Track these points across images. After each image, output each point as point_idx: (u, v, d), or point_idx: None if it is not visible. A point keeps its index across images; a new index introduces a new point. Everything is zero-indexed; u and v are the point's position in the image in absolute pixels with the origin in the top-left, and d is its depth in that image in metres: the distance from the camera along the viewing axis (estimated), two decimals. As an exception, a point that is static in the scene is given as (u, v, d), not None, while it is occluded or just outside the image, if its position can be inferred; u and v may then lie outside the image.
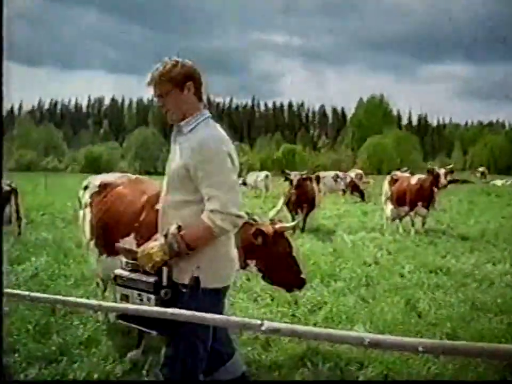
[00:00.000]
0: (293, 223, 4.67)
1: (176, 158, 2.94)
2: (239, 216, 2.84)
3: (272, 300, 6.24)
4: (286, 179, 12.95)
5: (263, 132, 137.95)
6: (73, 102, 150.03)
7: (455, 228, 13.44)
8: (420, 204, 12.46)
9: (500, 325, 5.30)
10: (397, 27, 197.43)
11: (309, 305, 5.94)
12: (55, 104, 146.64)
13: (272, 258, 4.27)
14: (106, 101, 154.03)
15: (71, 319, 5.62)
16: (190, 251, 2.83)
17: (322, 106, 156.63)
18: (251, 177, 29.51)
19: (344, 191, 26.50)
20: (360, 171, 32.05)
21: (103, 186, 5.11)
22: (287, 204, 12.86)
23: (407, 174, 15.76)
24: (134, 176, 5.33)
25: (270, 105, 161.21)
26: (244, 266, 4.38)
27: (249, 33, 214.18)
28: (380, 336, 1.75)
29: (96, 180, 5.33)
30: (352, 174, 29.71)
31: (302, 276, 4.37)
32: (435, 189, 12.29)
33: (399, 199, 12.82)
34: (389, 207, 13.16)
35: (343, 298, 6.16)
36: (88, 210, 5.14)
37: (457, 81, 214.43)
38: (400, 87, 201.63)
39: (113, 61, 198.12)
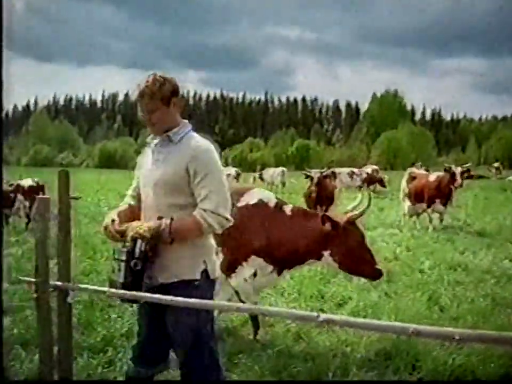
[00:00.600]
0: (361, 210, 4.82)
1: (168, 164, 3.15)
2: (227, 219, 3.12)
3: (299, 294, 6.53)
4: (307, 177, 13.24)
5: (277, 127, 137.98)
6: (87, 98, 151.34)
7: (471, 224, 13.63)
8: (437, 201, 12.67)
9: (519, 319, 5.57)
10: (411, 21, 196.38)
11: (335, 300, 6.24)
12: (70, 99, 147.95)
13: (346, 246, 4.60)
14: (120, 97, 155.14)
15: (108, 312, 5.93)
16: (171, 240, 3.08)
17: (336, 101, 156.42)
18: (268, 173, 29.81)
19: (360, 187, 26.75)
20: (375, 167, 32.26)
21: None
22: (306, 200, 13.18)
23: (423, 171, 16.00)
24: None
25: (284, 100, 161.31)
26: (319, 257, 4.72)
27: (262, 28, 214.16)
28: (421, 327, 2.04)
29: None
30: (368, 169, 29.96)
31: (377, 266, 4.69)
32: (453, 187, 12.50)
33: (417, 196, 13.04)
34: (407, 204, 13.39)
35: (367, 294, 6.43)
36: None
37: (471, 75, 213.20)
38: (414, 82, 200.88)
39: (127, 57, 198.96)
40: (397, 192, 23.13)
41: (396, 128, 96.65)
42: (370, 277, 4.85)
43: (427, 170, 24.22)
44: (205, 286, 3.20)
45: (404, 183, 13.89)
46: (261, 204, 4.84)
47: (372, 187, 28.36)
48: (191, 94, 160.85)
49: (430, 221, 12.76)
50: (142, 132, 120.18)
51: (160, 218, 3.10)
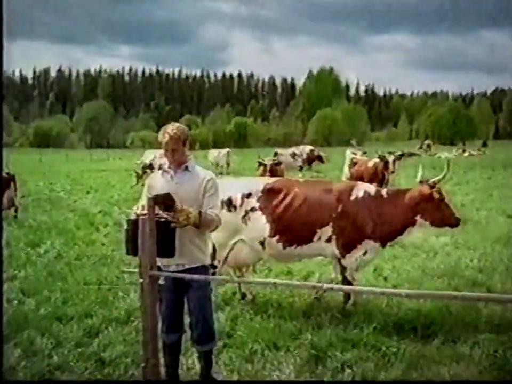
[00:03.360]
0: (442, 176, 6.18)
1: (192, 184, 4.53)
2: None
3: (270, 271, 7.96)
4: (260, 164, 14.65)
5: (213, 103, 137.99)
6: (17, 74, 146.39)
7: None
8: (374, 184, 14.40)
9: (442, 285, 7.22)
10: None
11: (302, 274, 7.72)
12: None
13: (433, 207, 6.04)
14: (53, 73, 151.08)
15: (116, 292, 7.19)
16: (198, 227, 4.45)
17: (271, 77, 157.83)
18: (212, 154, 30.86)
19: (301, 167, 28.35)
20: (311, 147, 33.51)
21: (270, 191, 6.36)
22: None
23: (363, 157, 17.77)
24: (300, 180, 6.91)
25: (220, 76, 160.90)
26: (414, 223, 6.13)
27: (197, 2, 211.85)
28: (392, 290, 3.51)
29: (256, 186, 6.47)
30: (306, 149, 31.43)
31: (457, 216, 6.15)
32: (386, 173, 14.34)
33: (357, 180, 14.74)
34: (349, 187, 15.11)
35: (325, 268, 7.86)
36: (258, 213, 6.30)
37: (403, 51, 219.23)
38: (348, 57, 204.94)
39: (59, 31, 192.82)
40: (336, 171, 24.75)
41: (331, 106, 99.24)
42: (453, 225, 6.21)
43: (364, 153, 26.16)
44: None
45: (346, 168, 15.59)
46: (367, 196, 6.21)
47: (311, 166, 29.96)
48: (126, 69, 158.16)
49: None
50: (77, 110, 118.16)
51: (200, 212, 4.40)
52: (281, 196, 6.27)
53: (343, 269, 6.32)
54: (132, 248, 3.93)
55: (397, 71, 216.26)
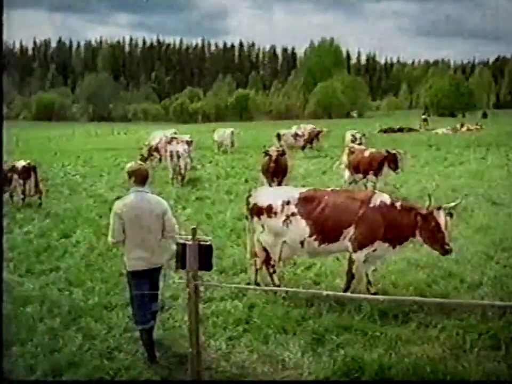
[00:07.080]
0: (438, 206, 7.24)
1: None
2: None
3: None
4: (266, 154, 15.75)
5: (214, 73, 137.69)
6: (18, 45, 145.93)
7: (399, 188, 16.45)
8: (371, 172, 15.66)
9: (423, 276, 8.42)
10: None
11: (304, 265, 8.95)
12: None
13: (426, 228, 7.21)
14: (53, 43, 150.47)
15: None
16: None
17: (272, 46, 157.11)
18: (218, 134, 31.90)
19: (303, 147, 29.49)
20: (312, 126, 34.48)
21: (304, 199, 7.77)
22: (264, 173, 15.79)
23: (357, 144, 18.92)
24: (328, 189, 8.17)
25: (221, 45, 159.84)
26: (414, 235, 7.36)
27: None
28: (361, 295, 4.82)
29: (292, 195, 7.86)
30: (307, 128, 32.53)
31: (446, 246, 7.16)
32: (385, 163, 15.44)
33: (355, 168, 16.01)
34: (347, 174, 16.33)
35: (325, 260, 9.06)
36: (298, 217, 7.70)
37: (405, 18, 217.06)
38: (349, 25, 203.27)
39: None
40: (336, 150, 25.63)
41: (332, 77, 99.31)
42: (441, 252, 7.33)
43: (364, 135, 27.30)
44: None
45: (344, 157, 16.76)
46: (383, 205, 7.52)
47: (312, 143, 30.87)
48: (127, 40, 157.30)
49: (366, 188, 15.66)
50: (80, 83, 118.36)
51: None
52: (315, 202, 7.68)
53: (351, 262, 7.67)
54: (181, 264, 5.23)
55: (398, 39, 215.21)
